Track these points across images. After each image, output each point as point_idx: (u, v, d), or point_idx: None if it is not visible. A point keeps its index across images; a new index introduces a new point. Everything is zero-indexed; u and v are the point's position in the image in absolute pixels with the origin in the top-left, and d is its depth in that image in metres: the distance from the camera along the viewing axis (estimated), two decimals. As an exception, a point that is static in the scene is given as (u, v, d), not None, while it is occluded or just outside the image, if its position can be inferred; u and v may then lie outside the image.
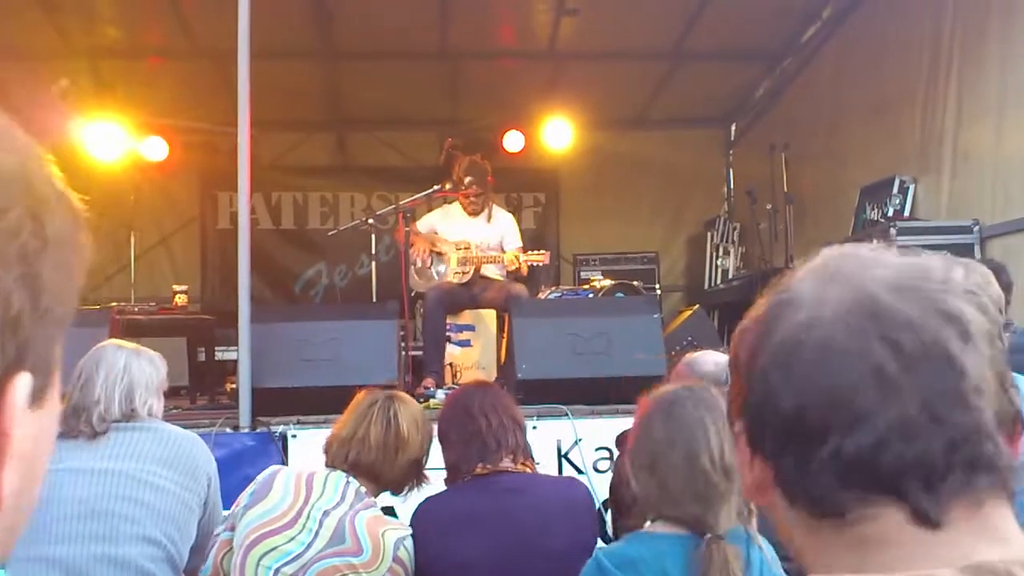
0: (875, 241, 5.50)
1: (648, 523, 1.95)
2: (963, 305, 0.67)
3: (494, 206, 6.00)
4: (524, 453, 2.49)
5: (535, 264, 5.63)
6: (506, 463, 2.42)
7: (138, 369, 2.69)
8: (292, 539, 2.32)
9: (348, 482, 2.41)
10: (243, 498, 2.43)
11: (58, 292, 0.55)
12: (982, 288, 0.69)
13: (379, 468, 2.44)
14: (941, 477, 0.64)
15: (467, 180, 5.80)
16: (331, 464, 2.48)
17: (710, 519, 1.85)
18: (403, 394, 2.60)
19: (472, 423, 2.44)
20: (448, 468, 2.51)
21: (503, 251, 5.80)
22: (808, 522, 0.69)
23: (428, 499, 2.53)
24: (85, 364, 2.67)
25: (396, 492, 2.55)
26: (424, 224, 6.04)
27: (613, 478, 3.02)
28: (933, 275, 0.68)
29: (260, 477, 2.47)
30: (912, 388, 0.64)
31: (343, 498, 2.38)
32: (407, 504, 2.62)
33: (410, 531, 2.41)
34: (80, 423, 2.58)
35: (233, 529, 2.41)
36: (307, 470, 2.47)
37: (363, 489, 2.43)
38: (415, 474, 2.52)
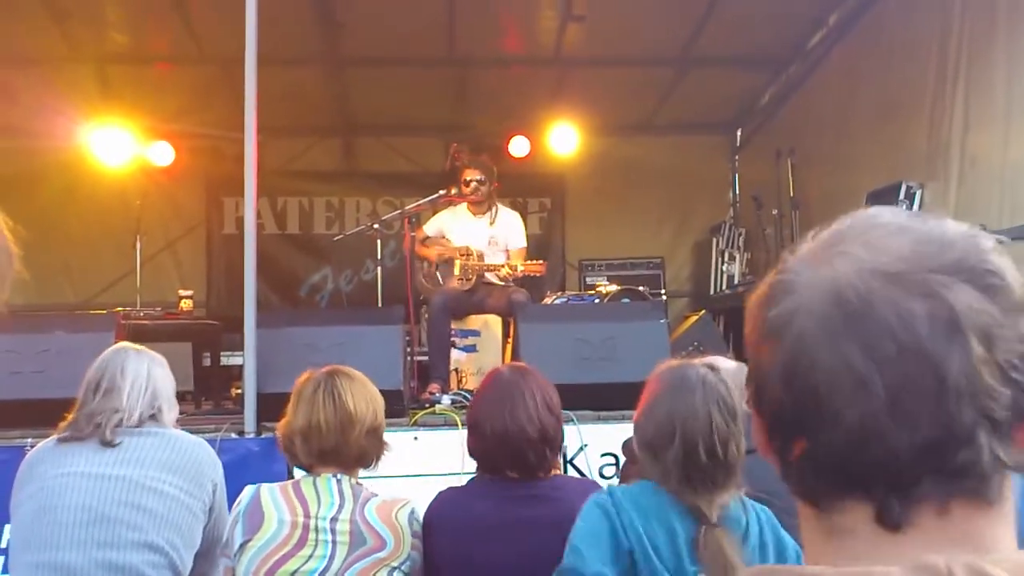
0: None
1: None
2: (962, 295, 0.63)
3: (500, 206, 6.00)
4: (555, 457, 2.44)
5: (534, 275, 5.62)
6: (513, 474, 2.37)
7: (160, 377, 2.73)
8: (309, 557, 2.27)
9: (338, 480, 2.37)
10: (236, 530, 2.34)
11: None
12: (1006, 267, 0.66)
13: (341, 449, 2.38)
14: (910, 481, 0.64)
15: (467, 173, 5.82)
16: (304, 462, 2.43)
17: (703, 507, 1.92)
18: (343, 368, 2.50)
19: (511, 423, 2.33)
20: (476, 458, 2.44)
21: (508, 251, 5.82)
22: (801, 503, 0.71)
23: (450, 493, 2.49)
24: (107, 369, 2.66)
25: (364, 466, 2.47)
26: (433, 225, 6.05)
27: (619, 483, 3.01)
28: (945, 256, 0.65)
29: (243, 502, 2.37)
30: (882, 391, 0.63)
31: (342, 500, 2.34)
32: (377, 475, 2.57)
33: (412, 501, 2.40)
34: (94, 427, 2.57)
35: (233, 558, 2.35)
36: (289, 481, 2.41)
37: (353, 480, 2.40)
38: (376, 443, 2.45)
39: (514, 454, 2.34)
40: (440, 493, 2.50)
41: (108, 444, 2.56)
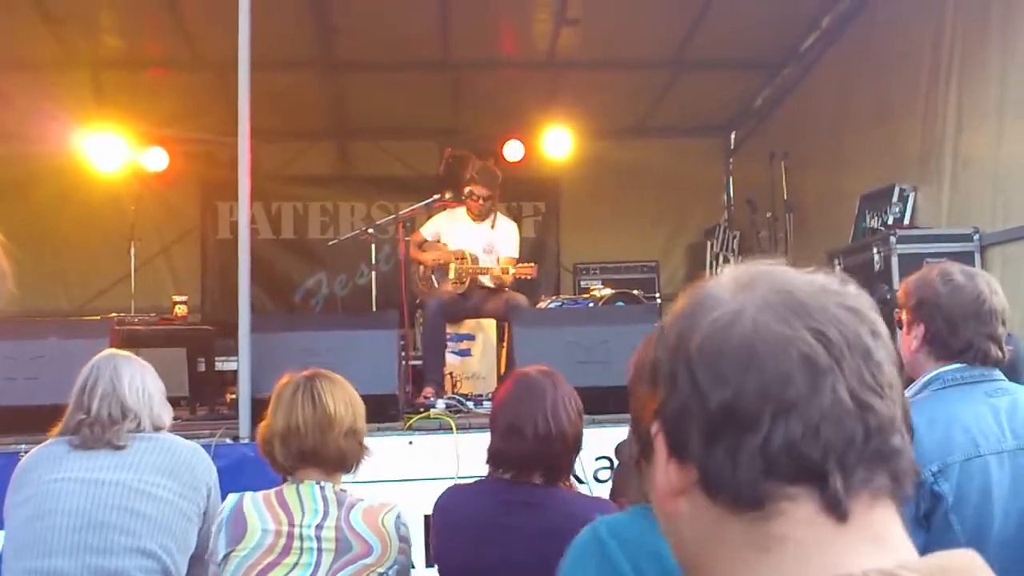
0: (875, 249, 5.52)
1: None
2: (865, 307, 0.71)
3: (498, 214, 6.01)
4: (565, 474, 2.41)
5: (524, 277, 5.62)
6: (536, 479, 2.36)
7: (153, 382, 2.73)
8: (295, 565, 2.25)
9: (321, 487, 2.35)
10: (219, 539, 2.32)
11: None
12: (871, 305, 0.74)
13: (319, 451, 2.36)
14: (855, 464, 0.66)
15: (468, 190, 5.81)
16: (283, 464, 2.41)
17: None
18: (323, 371, 2.49)
19: (554, 425, 2.32)
20: (495, 457, 2.42)
21: (499, 259, 5.81)
22: (721, 522, 0.69)
23: (455, 489, 2.51)
24: (100, 376, 2.65)
25: (345, 469, 2.45)
26: (430, 228, 6.04)
27: (612, 487, 3.01)
28: (832, 283, 0.73)
29: (225, 511, 2.35)
30: (840, 377, 0.67)
31: (326, 507, 2.32)
32: (370, 479, 2.58)
33: (398, 506, 2.39)
34: (101, 434, 2.57)
35: (218, 565, 2.33)
36: (272, 490, 2.39)
37: (336, 487, 2.38)
38: (355, 447, 2.43)
39: (550, 457, 2.33)
40: (449, 489, 2.52)
41: (117, 449, 2.57)
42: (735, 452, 0.67)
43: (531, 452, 2.33)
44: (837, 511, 0.66)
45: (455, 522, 2.39)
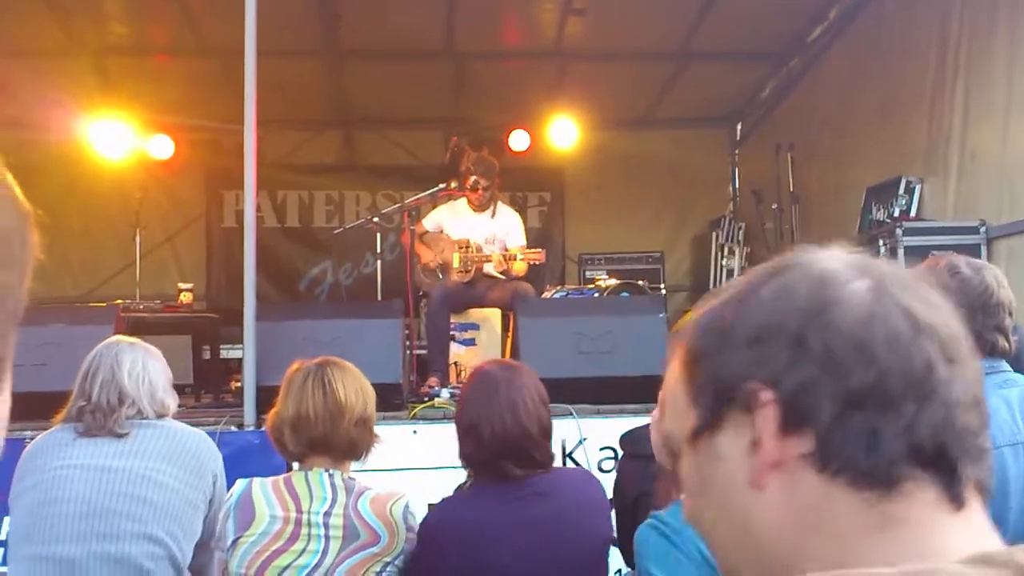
0: (881, 241, 5.50)
1: None
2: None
3: (500, 203, 6.00)
4: (547, 461, 2.39)
5: (534, 263, 5.60)
6: (534, 467, 2.34)
7: (156, 368, 2.72)
8: (302, 551, 2.26)
9: (330, 475, 2.35)
10: (227, 525, 2.32)
11: (4, 287, 0.53)
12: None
13: (330, 439, 2.35)
14: (970, 456, 0.67)
15: (472, 180, 5.80)
16: (293, 452, 2.41)
17: None
18: (334, 359, 2.48)
19: (512, 424, 2.27)
20: (465, 460, 2.38)
21: (506, 249, 5.80)
22: (833, 498, 0.67)
23: (444, 507, 2.45)
24: (101, 363, 2.65)
25: (355, 457, 2.44)
26: (432, 220, 6.05)
27: (617, 478, 3.01)
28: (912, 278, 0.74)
29: (234, 497, 2.36)
30: (965, 370, 0.69)
31: (334, 494, 2.33)
32: (375, 468, 2.54)
33: (407, 495, 2.39)
34: (103, 422, 2.58)
35: (225, 551, 2.34)
36: (281, 476, 2.39)
37: (345, 475, 2.39)
38: (366, 435, 2.42)
39: (518, 454, 2.29)
40: (439, 503, 2.47)
41: (119, 436, 2.57)
42: (875, 431, 0.66)
43: (496, 451, 2.28)
44: (958, 499, 0.66)
45: (472, 529, 2.31)
